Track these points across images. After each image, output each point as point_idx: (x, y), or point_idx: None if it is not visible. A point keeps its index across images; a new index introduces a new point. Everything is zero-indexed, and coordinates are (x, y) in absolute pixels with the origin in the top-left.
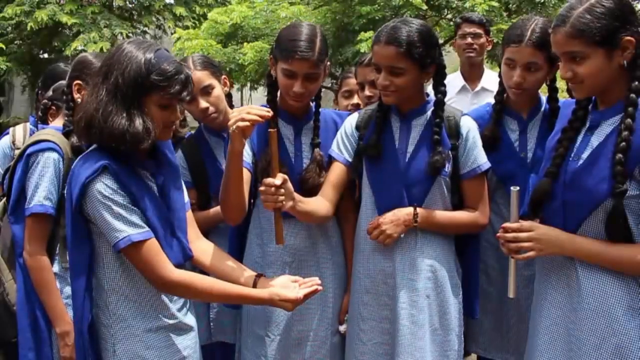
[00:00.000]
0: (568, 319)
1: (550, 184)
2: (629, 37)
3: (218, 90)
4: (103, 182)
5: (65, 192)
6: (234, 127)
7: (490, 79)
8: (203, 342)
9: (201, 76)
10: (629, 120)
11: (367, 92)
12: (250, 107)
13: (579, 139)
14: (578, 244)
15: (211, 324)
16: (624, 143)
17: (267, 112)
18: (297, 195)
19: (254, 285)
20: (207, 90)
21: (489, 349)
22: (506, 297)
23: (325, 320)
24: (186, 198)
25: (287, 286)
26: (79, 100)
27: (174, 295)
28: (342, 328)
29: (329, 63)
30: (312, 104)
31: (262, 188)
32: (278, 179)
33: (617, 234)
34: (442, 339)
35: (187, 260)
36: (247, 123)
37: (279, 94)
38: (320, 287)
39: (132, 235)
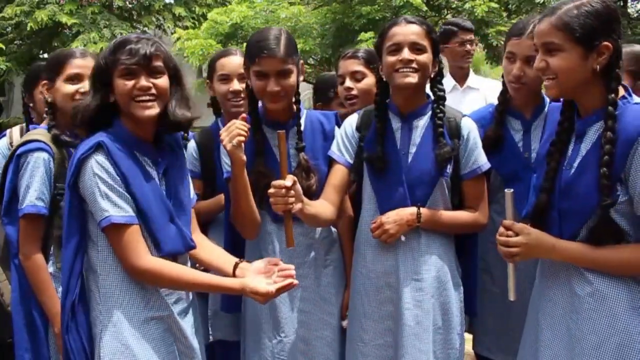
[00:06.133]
0: (570, 318)
1: (546, 199)
2: (607, 43)
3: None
4: (96, 159)
5: (56, 192)
6: (234, 141)
7: (473, 79)
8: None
9: (243, 63)
10: (609, 134)
11: (346, 84)
12: (233, 122)
13: (570, 147)
14: (564, 249)
15: (209, 321)
16: (607, 157)
17: (246, 126)
18: (304, 198)
19: (234, 271)
20: (243, 77)
21: (495, 350)
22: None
23: (329, 320)
24: (192, 193)
25: (264, 271)
26: (49, 98)
27: (147, 283)
28: (344, 323)
29: (302, 62)
30: (296, 107)
31: (271, 190)
32: (288, 180)
33: (603, 239)
34: (444, 338)
35: (188, 250)
36: (242, 138)
37: (260, 104)
38: (295, 282)
39: (113, 216)
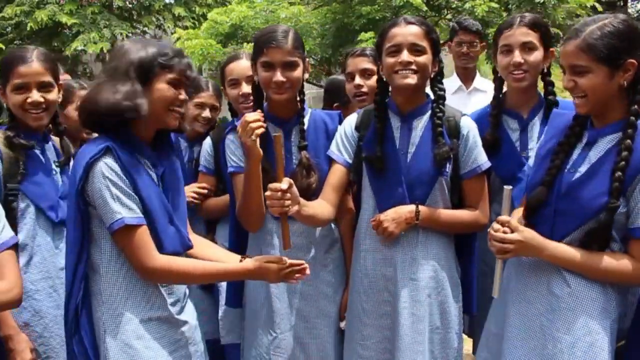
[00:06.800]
0: (544, 317)
1: (546, 192)
2: (632, 60)
3: None
4: (105, 163)
5: (7, 192)
6: (253, 136)
7: (479, 80)
8: (212, 337)
9: (250, 66)
10: (628, 141)
11: (356, 81)
12: (246, 117)
13: (576, 152)
14: (555, 250)
15: (220, 322)
16: (623, 162)
17: (260, 115)
18: (301, 199)
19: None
20: (251, 79)
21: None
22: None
23: (328, 318)
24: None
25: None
26: (5, 104)
27: (157, 282)
28: (342, 324)
29: (309, 60)
30: (300, 105)
31: (267, 193)
32: (284, 183)
33: (594, 244)
34: (442, 338)
35: (186, 250)
36: (260, 130)
37: (264, 104)
38: (308, 272)
39: (126, 217)
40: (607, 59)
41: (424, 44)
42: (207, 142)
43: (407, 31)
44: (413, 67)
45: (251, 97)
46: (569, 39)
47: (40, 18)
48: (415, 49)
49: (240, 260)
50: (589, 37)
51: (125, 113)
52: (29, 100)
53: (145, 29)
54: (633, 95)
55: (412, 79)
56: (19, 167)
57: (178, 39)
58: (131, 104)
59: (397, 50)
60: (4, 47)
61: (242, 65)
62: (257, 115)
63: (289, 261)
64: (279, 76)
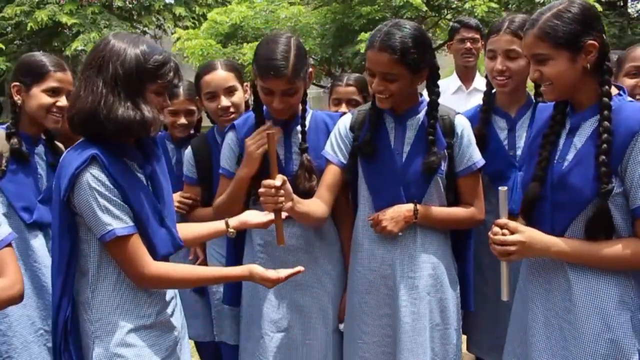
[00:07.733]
0: (562, 319)
1: (539, 187)
2: (592, 41)
3: (240, 94)
4: (91, 173)
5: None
6: (260, 150)
7: (479, 80)
8: (206, 339)
9: (227, 76)
10: (606, 123)
11: None
12: (260, 131)
13: (561, 142)
14: (560, 246)
15: (213, 321)
16: (605, 145)
17: (274, 130)
18: (295, 197)
19: (226, 226)
20: (230, 90)
21: (487, 350)
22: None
23: (325, 319)
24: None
25: (259, 218)
26: (19, 101)
27: (154, 289)
28: (341, 326)
29: (311, 70)
30: (302, 107)
31: (261, 190)
32: (278, 180)
33: (599, 231)
34: (441, 334)
35: (177, 250)
36: (266, 147)
37: (264, 107)
38: (302, 268)
39: (117, 229)
40: (565, 43)
41: (396, 71)
42: (188, 152)
43: (378, 60)
44: (385, 93)
45: (230, 110)
46: (527, 30)
47: (40, 18)
48: (387, 78)
49: (227, 225)
50: (545, 25)
51: (139, 131)
52: (58, 103)
53: (145, 29)
54: (601, 77)
55: (387, 103)
56: (1, 164)
57: (178, 39)
58: (148, 120)
59: (370, 74)
60: (4, 47)
61: (219, 77)
62: (274, 130)
63: (284, 274)
64: (278, 103)
